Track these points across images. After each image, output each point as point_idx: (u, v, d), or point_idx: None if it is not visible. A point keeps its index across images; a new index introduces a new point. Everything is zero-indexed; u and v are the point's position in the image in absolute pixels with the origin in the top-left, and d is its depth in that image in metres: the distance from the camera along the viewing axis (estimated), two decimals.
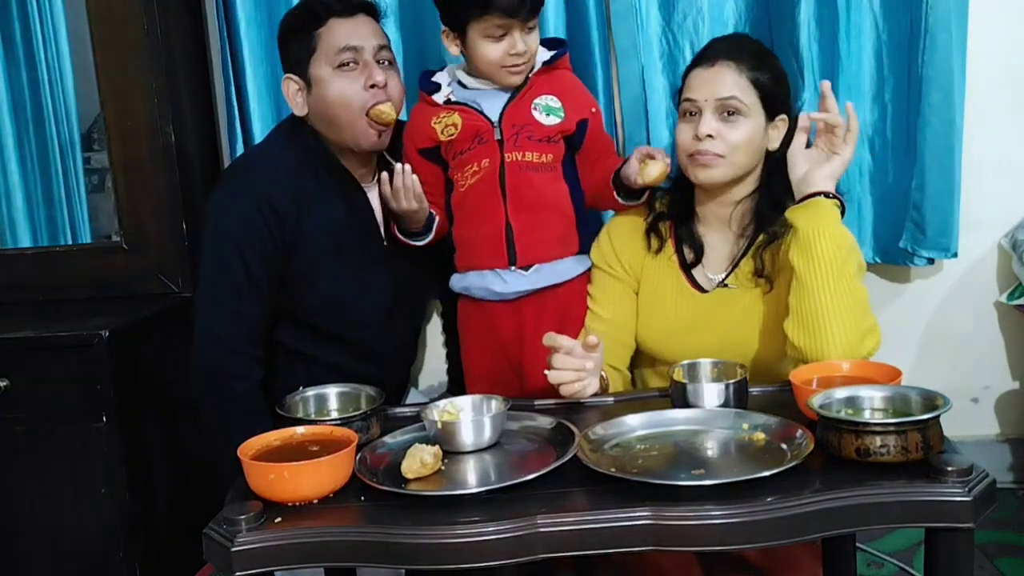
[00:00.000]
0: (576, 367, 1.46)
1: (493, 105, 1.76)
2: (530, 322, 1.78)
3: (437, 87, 1.80)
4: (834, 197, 1.54)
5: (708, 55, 1.64)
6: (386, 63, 1.78)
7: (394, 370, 1.98)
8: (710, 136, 1.59)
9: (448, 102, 1.78)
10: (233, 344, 1.73)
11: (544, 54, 1.80)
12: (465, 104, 1.77)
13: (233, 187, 1.77)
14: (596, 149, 1.83)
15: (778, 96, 1.64)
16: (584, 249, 1.82)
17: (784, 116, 1.64)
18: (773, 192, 1.64)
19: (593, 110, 1.83)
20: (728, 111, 1.59)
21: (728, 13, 2.10)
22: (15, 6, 2.33)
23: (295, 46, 1.77)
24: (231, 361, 1.73)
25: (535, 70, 1.77)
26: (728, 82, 1.60)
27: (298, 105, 1.79)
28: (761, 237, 1.63)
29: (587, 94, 1.86)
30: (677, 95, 1.70)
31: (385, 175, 1.71)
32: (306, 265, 1.76)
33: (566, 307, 1.79)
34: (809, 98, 1.98)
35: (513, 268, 1.76)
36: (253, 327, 1.75)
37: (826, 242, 1.49)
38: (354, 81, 1.73)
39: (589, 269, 1.80)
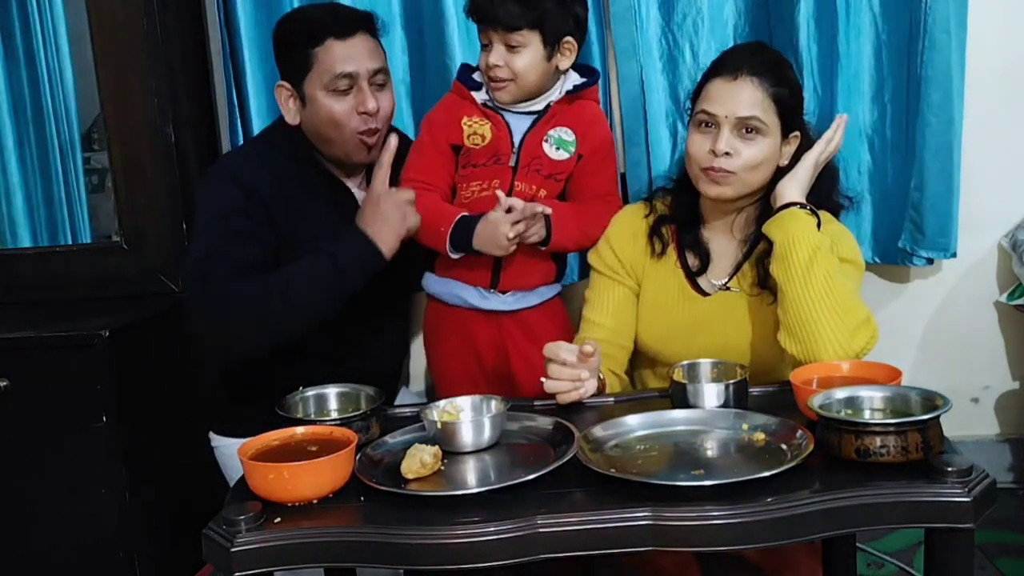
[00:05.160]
0: (571, 377, 1.46)
1: (518, 126, 1.75)
2: (508, 332, 1.82)
3: (478, 86, 1.78)
4: (808, 208, 1.55)
5: (729, 66, 1.59)
6: (380, 84, 1.76)
7: (385, 365, 1.97)
8: (727, 153, 1.56)
9: (486, 105, 1.76)
10: (221, 273, 1.64)
11: (574, 79, 1.77)
12: (499, 114, 1.75)
13: (220, 180, 1.76)
14: (587, 191, 1.80)
15: (795, 112, 1.62)
16: (560, 277, 1.87)
17: (797, 132, 1.62)
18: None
19: (588, 150, 1.78)
20: (747, 128, 1.56)
21: (728, 13, 2.09)
22: (15, 6, 2.33)
23: (290, 59, 1.75)
24: (220, 275, 1.62)
25: (558, 99, 1.75)
26: (750, 99, 1.55)
27: (290, 113, 1.78)
28: (762, 245, 1.63)
29: (598, 132, 1.81)
30: (691, 101, 1.65)
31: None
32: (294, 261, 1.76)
33: (542, 322, 1.82)
34: (808, 99, 1.98)
35: (493, 290, 1.79)
36: (246, 269, 1.66)
37: (798, 249, 1.50)
38: (346, 103, 1.72)
39: (559, 293, 1.86)
